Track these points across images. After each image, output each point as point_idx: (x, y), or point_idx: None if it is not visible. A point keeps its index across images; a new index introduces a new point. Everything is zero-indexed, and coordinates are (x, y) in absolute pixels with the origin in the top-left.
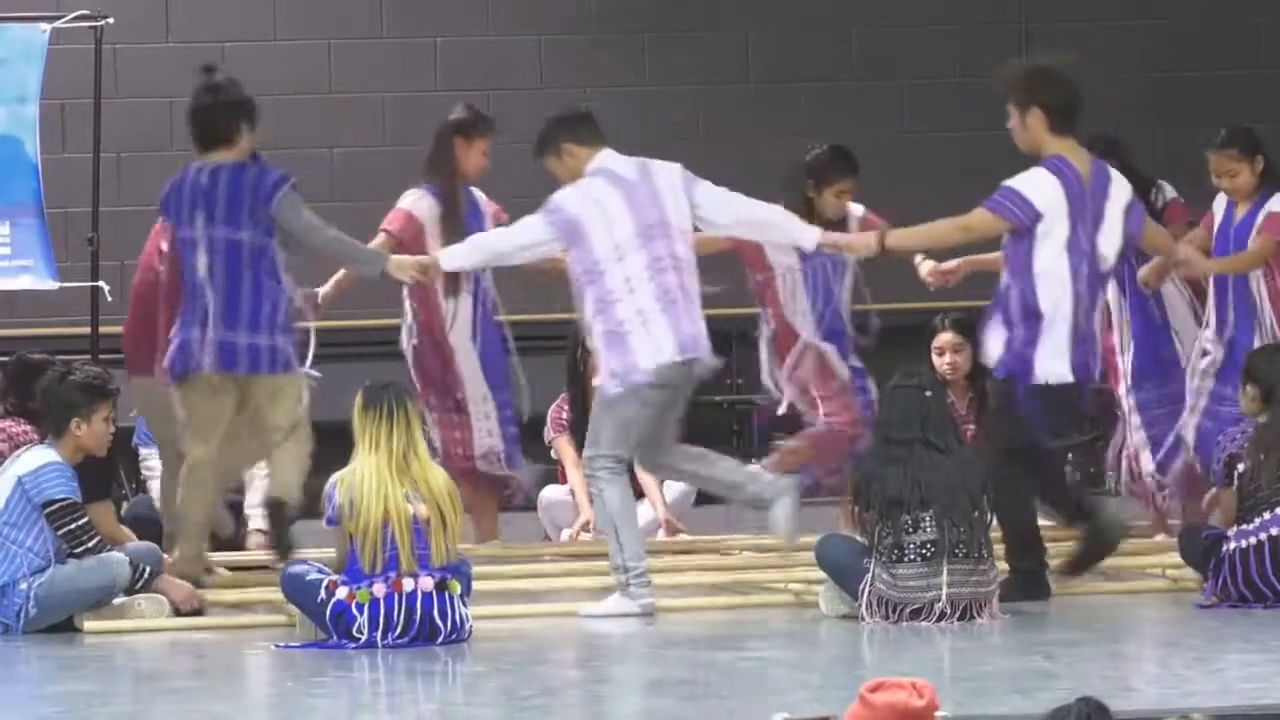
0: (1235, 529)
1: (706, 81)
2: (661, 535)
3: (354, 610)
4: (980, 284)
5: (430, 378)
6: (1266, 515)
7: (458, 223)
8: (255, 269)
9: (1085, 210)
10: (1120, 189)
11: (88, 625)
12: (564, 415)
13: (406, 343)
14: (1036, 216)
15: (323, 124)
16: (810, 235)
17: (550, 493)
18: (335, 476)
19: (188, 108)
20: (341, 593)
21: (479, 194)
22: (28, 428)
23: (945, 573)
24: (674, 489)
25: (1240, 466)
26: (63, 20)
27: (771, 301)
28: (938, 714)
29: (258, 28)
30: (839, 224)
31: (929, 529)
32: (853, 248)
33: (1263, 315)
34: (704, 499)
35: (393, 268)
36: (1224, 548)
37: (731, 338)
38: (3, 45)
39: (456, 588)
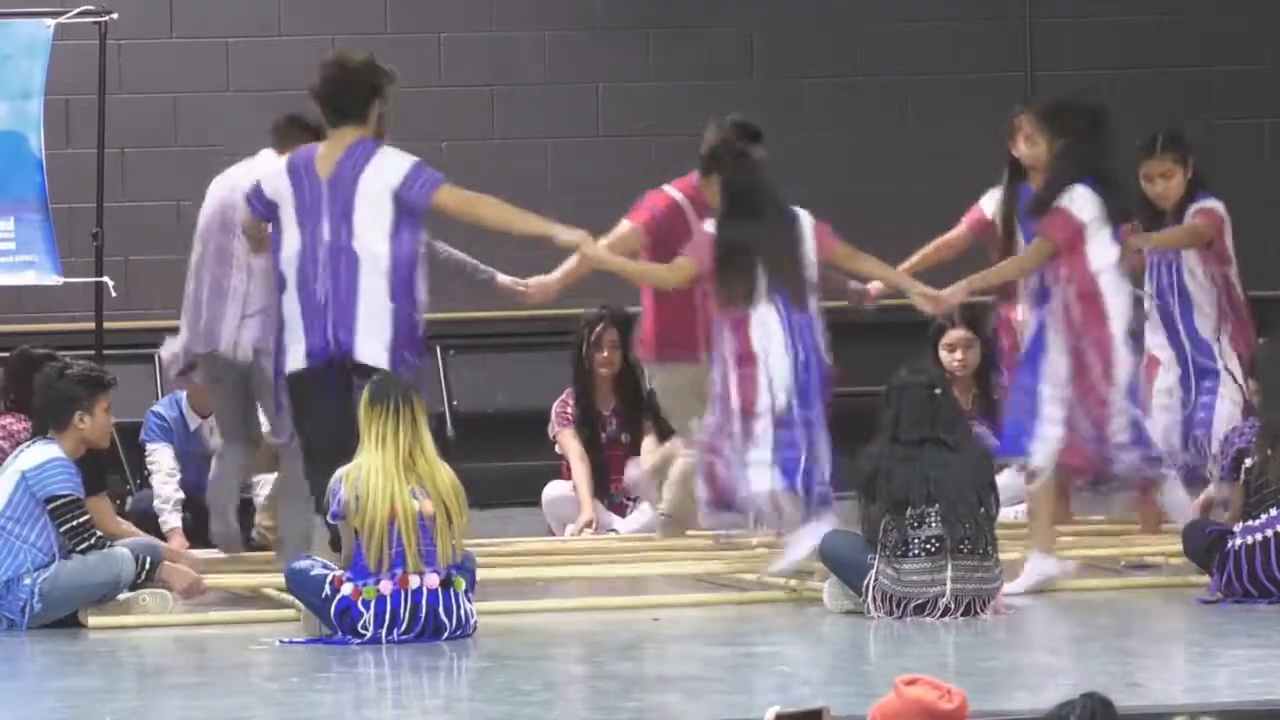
0: (1241, 525)
1: (710, 78)
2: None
3: (359, 606)
4: None
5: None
6: (1273, 511)
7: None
8: None
9: (317, 200)
10: (378, 176)
11: (92, 621)
12: (568, 410)
13: None
14: (269, 205)
15: None
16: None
17: (554, 489)
18: (341, 472)
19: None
20: (347, 589)
21: None
22: (29, 424)
23: (950, 568)
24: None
25: (1247, 461)
26: (67, 16)
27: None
28: None
29: (261, 24)
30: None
31: (934, 524)
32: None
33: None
34: None
35: None
36: (1229, 543)
37: None
38: (7, 41)
39: (461, 584)
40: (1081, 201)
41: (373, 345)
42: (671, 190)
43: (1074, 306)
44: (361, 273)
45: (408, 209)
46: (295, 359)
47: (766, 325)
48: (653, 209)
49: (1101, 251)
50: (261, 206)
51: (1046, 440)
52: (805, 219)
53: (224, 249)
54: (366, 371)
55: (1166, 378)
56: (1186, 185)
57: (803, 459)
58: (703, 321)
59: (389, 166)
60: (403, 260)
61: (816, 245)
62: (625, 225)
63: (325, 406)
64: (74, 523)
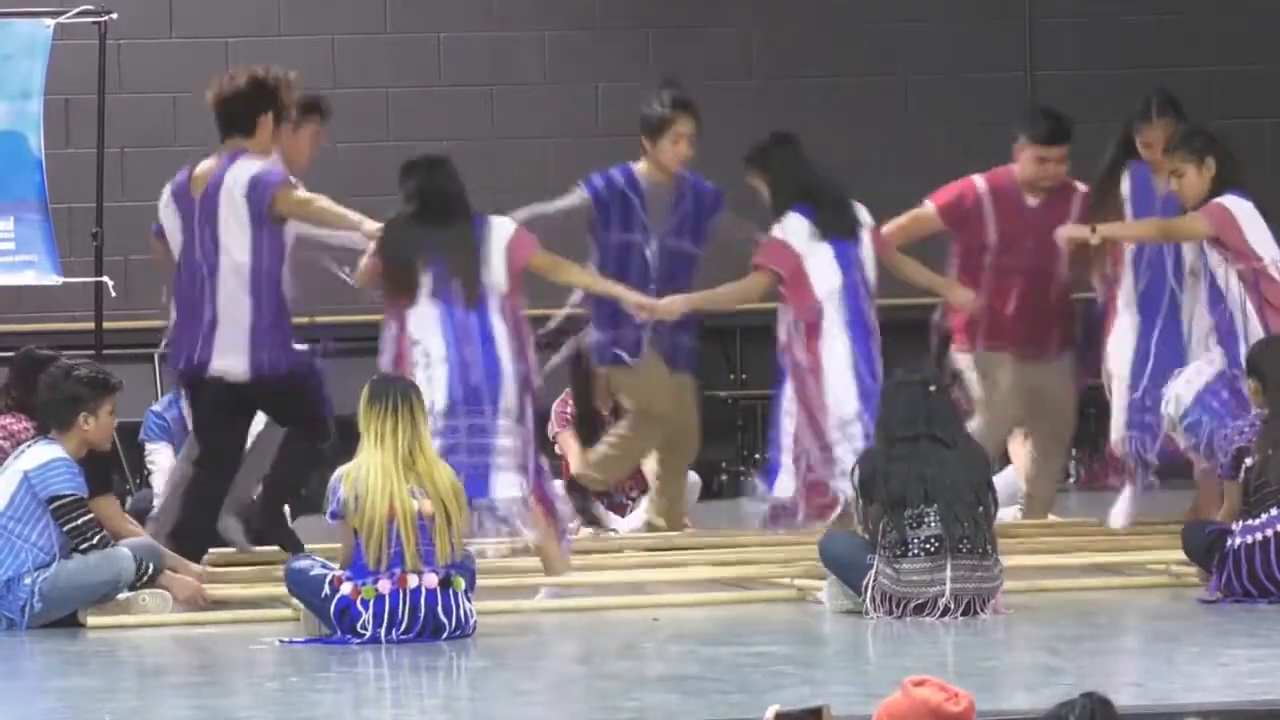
0: (1240, 524)
1: (709, 77)
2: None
3: (358, 606)
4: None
5: None
6: (1274, 510)
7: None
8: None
9: (192, 219)
10: (233, 185)
11: (91, 620)
12: (567, 410)
13: None
14: (161, 232)
15: None
16: None
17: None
18: (340, 470)
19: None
20: (346, 588)
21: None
22: (29, 424)
23: (949, 568)
24: None
25: (1248, 460)
26: (67, 16)
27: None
28: None
29: (261, 23)
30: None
31: (933, 524)
32: None
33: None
34: (707, 494)
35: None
36: (1229, 543)
37: (735, 331)
38: (7, 41)
39: (461, 584)
40: (793, 229)
41: (229, 359)
42: (978, 179)
43: (794, 337)
44: (223, 285)
45: (257, 216)
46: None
47: (425, 325)
48: (950, 193)
49: (823, 275)
50: (157, 229)
51: (785, 471)
52: (501, 227)
53: None
54: (224, 385)
55: (1208, 370)
56: (1212, 183)
57: (478, 469)
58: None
59: (242, 174)
60: (264, 268)
61: (510, 254)
62: (926, 206)
63: (200, 414)
64: (77, 522)
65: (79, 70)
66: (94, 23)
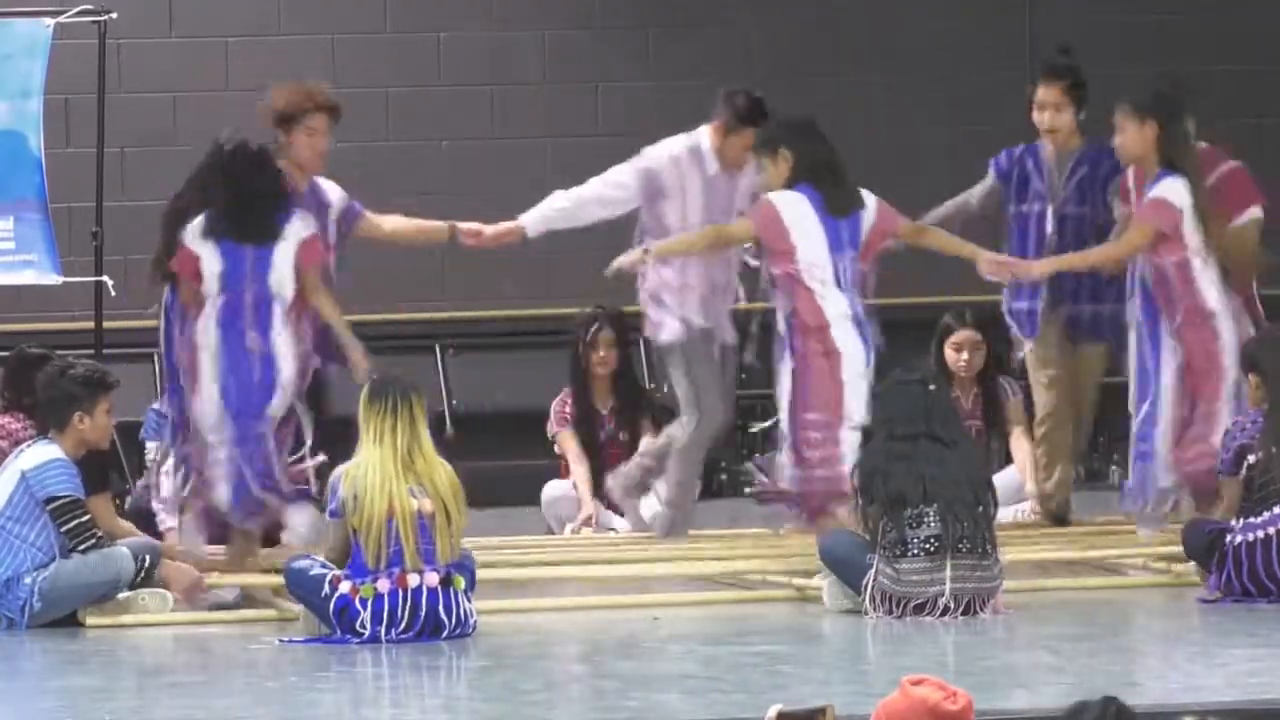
0: (1241, 522)
1: (710, 77)
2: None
3: (357, 605)
4: (985, 279)
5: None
6: (1276, 509)
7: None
8: None
9: None
10: None
11: (91, 620)
12: (567, 409)
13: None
14: None
15: None
16: None
17: (553, 488)
18: (340, 469)
19: None
20: (345, 587)
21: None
22: (27, 424)
23: (949, 568)
24: None
25: (1251, 458)
26: (66, 15)
27: None
28: None
29: (260, 22)
30: None
31: (933, 524)
32: None
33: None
34: (706, 493)
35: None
36: (1228, 541)
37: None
38: (7, 40)
39: (461, 583)
40: (190, 235)
41: None
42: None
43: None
44: None
45: None
46: None
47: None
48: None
49: (211, 279)
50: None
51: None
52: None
53: None
54: None
55: None
56: (789, 175)
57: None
58: None
59: None
60: None
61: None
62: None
63: None
64: (74, 523)
65: (79, 70)
66: (94, 22)
